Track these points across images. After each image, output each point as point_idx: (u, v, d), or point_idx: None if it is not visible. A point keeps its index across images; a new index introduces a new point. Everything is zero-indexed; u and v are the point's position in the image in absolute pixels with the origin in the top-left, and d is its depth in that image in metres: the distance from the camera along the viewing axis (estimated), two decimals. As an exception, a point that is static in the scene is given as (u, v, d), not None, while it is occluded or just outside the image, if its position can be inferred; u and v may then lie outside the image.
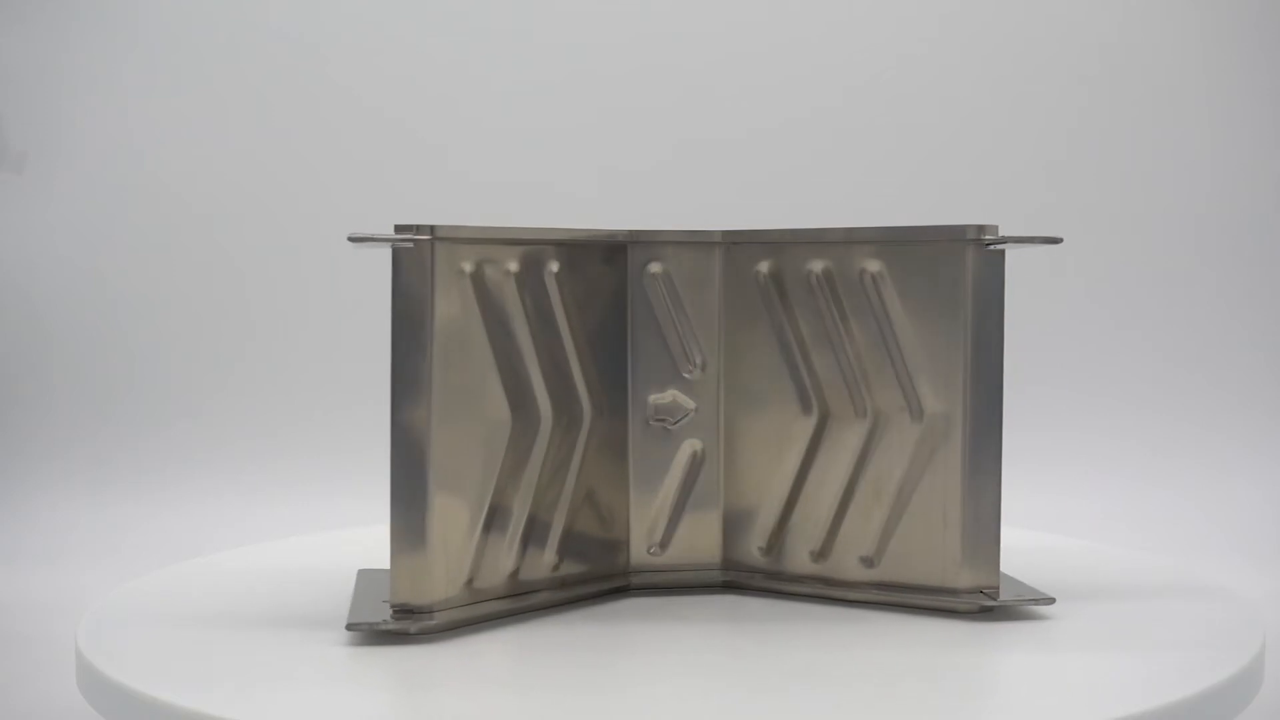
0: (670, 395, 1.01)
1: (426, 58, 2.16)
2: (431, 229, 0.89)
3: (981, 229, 0.93)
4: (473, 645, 0.86)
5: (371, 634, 0.86)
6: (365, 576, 0.99)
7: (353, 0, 2.17)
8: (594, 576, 0.99)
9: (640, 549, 1.01)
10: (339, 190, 2.13)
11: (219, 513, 1.94)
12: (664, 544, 1.01)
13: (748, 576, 1.01)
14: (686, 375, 1.01)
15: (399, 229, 0.89)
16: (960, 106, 2.14)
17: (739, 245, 1.01)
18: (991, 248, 0.93)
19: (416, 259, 0.89)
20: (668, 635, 0.90)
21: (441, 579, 0.88)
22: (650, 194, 2.11)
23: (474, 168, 2.13)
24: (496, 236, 0.93)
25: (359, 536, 1.24)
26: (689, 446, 1.01)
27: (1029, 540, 1.17)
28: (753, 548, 1.01)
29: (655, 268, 1.00)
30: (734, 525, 1.01)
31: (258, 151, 2.15)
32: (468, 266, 0.91)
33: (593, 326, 0.98)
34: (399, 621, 0.86)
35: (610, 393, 0.99)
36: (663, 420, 1.00)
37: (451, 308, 0.89)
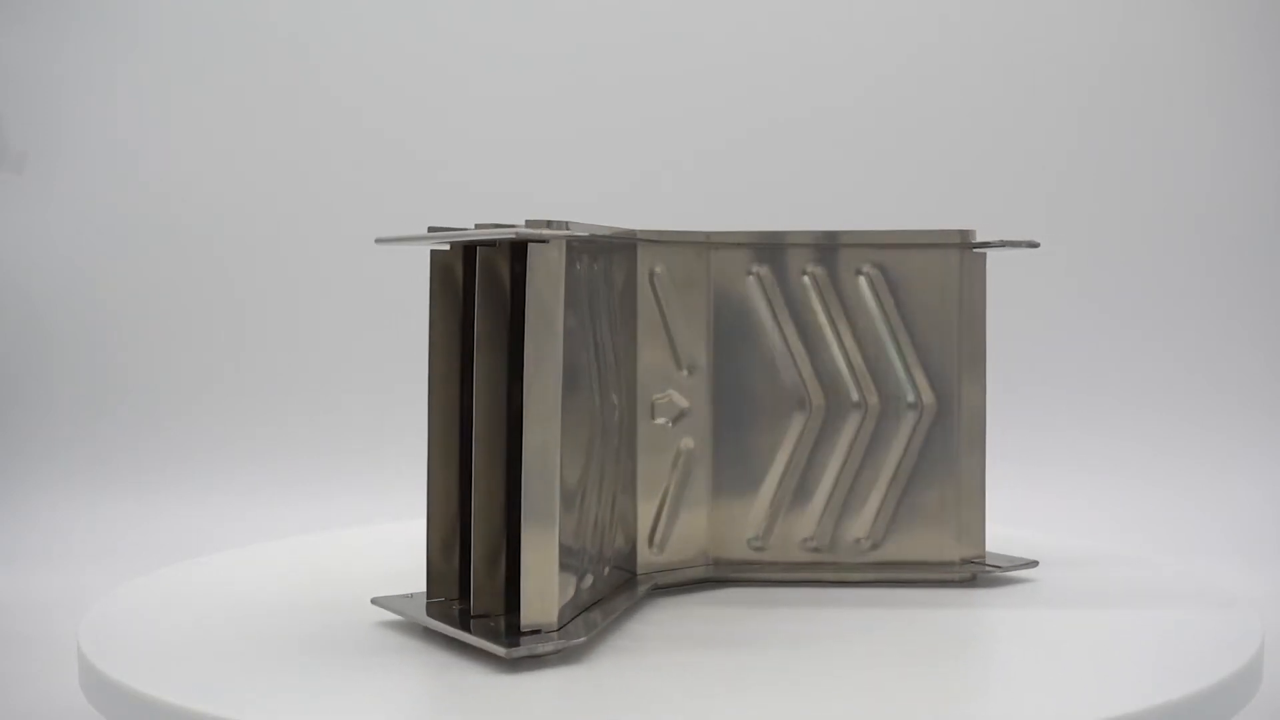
0: (668, 395, 1.01)
1: (424, 61, 2.16)
2: (565, 224, 0.82)
3: (963, 233, 1.01)
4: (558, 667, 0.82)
5: (501, 660, 0.80)
6: (397, 604, 0.91)
7: (353, 6, 2.17)
8: (624, 580, 0.98)
9: (644, 548, 1.01)
10: (337, 192, 2.13)
11: (219, 513, 1.94)
12: (664, 542, 1.01)
13: (742, 569, 1.03)
14: (681, 374, 1.01)
15: (531, 224, 0.81)
16: (963, 110, 2.14)
17: (730, 247, 1.02)
18: (974, 250, 1.02)
19: (549, 257, 0.81)
20: (740, 629, 0.90)
21: (561, 596, 0.84)
22: (643, 196, 2.11)
23: (468, 174, 2.13)
24: (607, 235, 0.88)
25: (359, 536, 1.24)
26: (683, 445, 1.02)
27: (1031, 539, 1.17)
28: (747, 541, 1.03)
29: (656, 268, 1.01)
30: (728, 520, 1.03)
31: (256, 152, 2.15)
32: (578, 265, 0.86)
33: (626, 327, 0.98)
34: (554, 642, 0.81)
35: (631, 393, 0.99)
36: (662, 419, 1.01)
37: (570, 312, 0.84)
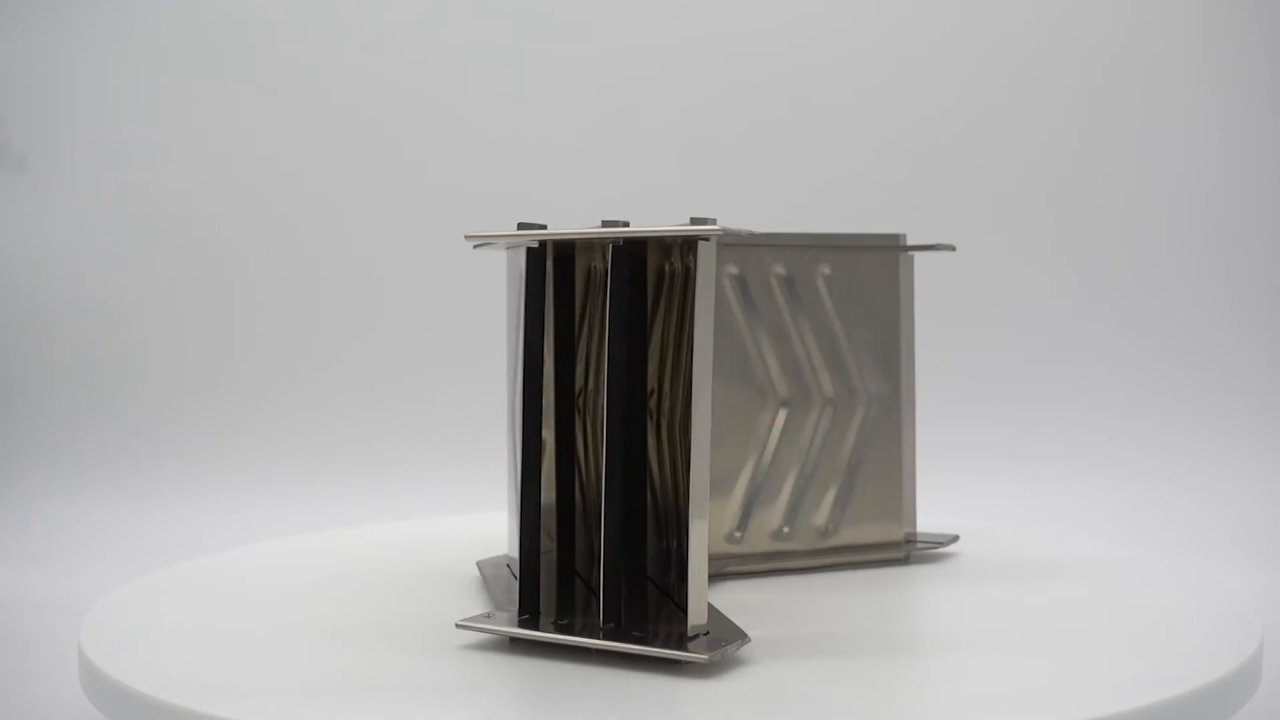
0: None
1: (423, 61, 2.16)
2: (715, 220, 0.81)
3: (895, 236, 1.10)
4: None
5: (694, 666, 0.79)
6: (487, 623, 0.86)
7: (352, 6, 2.17)
8: None
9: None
10: (337, 192, 2.13)
11: (219, 513, 1.94)
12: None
13: (724, 563, 1.05)
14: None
15: (695, 220, 0.81)
16: (962, 109, 2.14)
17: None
18: (905, 252, 1.10)
19: (711, 254, 0.80)
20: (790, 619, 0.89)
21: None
22: (643, 196, 2.11)
23: (469, 174, 2.13)
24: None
25: (359, 535, 1.24)
26: None
27: (1034, 537, 1.17)
28: (724, 535, 1.05)
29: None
30: (710, 516, 1.04)
31: (255, 152, 2.15)
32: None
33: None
34: (738, 641, 0.80)
35: None
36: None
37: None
